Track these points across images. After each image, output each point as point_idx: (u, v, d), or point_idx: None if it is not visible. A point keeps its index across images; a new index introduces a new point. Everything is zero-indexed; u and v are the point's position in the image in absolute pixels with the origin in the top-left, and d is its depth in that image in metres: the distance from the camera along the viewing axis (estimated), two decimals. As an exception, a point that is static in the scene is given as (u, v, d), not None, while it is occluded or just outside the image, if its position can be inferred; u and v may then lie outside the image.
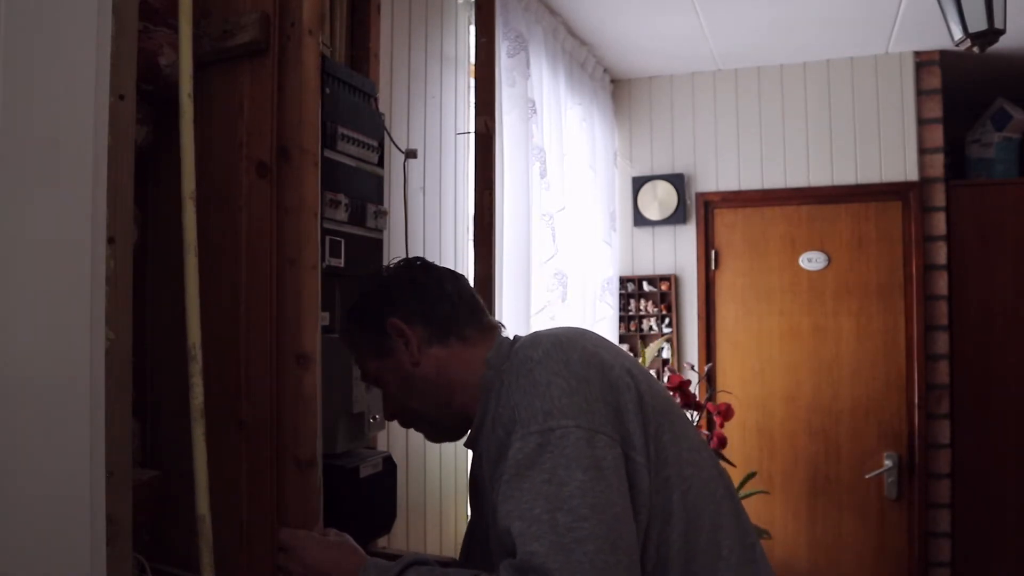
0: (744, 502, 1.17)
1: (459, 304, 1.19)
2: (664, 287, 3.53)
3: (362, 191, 1.46)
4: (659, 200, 3.53)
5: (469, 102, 2.37)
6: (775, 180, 3.41)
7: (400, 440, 1.93)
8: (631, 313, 3.57)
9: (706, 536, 1.02)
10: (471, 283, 1.28)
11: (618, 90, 3.64)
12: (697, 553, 1.01)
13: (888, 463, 3.18)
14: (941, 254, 3.20)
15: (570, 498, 0.91)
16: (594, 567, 0.87)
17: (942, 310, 3.18)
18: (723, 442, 2.75)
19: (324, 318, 1.38)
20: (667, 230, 3.56)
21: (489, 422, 1.07)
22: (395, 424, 1.93)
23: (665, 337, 3.48)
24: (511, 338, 1.16)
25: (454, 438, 1.23)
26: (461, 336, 1.16)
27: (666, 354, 3.48)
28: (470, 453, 1.20)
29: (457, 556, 1.30)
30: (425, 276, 1.21)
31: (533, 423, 0.96)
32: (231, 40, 1.14)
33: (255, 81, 1.15)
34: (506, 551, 0.94)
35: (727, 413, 2.80)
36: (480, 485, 1.15)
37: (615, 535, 0.91)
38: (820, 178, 3.35)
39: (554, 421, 0.96)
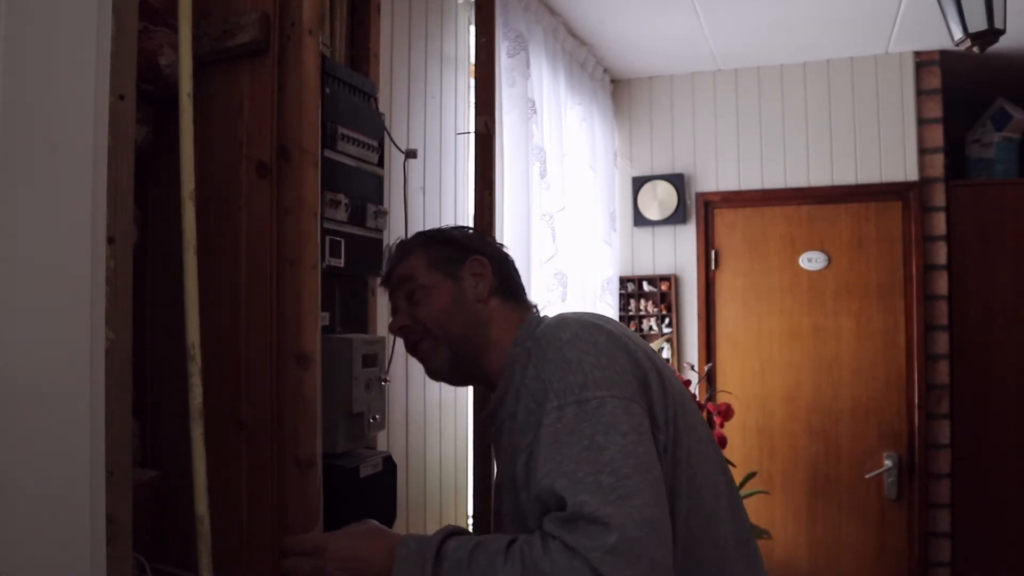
0: (744, 502, 1.18)
1: (518, 276, 1.30)
2: (664, 287, 3.53)
3: (362, 191, 1.46)
4: (659, 200, 3.53)
5: (469, 102, 2.37)
6: (775, 180, 3.41)
7: (400, 440, 1.93)
8: (631, 313, 3.57)
9: (704, 524, 1.05)
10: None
11: (618, 90, 3.64)
12: (694, 539, 1.04)
13: (888, 463, 3.18)
14: (941, 254, 3.19)
15: (611, 461, 0.93)
16: (643, 518, 0.89)
17: (942, 310, 3.18)
18: (723, 442, 2.75)
19: (324, 318, 1.38)
20: (667, 230, 3.56)
21: (513, 392, 1.11)
22: (395, 424, 1.93)
23: (665, 337, 3.48)
24: (541, 317, 1.23)
25: (451, 380, 1.29)
26: (516, 300, 1.26)
27: (666, 354, 3.48)
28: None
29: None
30: (498, 244, 1.34)
31: (569, 394, 0.99)
32: (231, 40, 1.14)
33: (255, 81, 1.15)
34: (544, 511, 0.96)
35: (727, 413, 2.80)
36: (501, 457, 1.18)
37: (658, 492, 0.94)
38: (820, 178, 3.35)
39: (589, 392, 0.99)
